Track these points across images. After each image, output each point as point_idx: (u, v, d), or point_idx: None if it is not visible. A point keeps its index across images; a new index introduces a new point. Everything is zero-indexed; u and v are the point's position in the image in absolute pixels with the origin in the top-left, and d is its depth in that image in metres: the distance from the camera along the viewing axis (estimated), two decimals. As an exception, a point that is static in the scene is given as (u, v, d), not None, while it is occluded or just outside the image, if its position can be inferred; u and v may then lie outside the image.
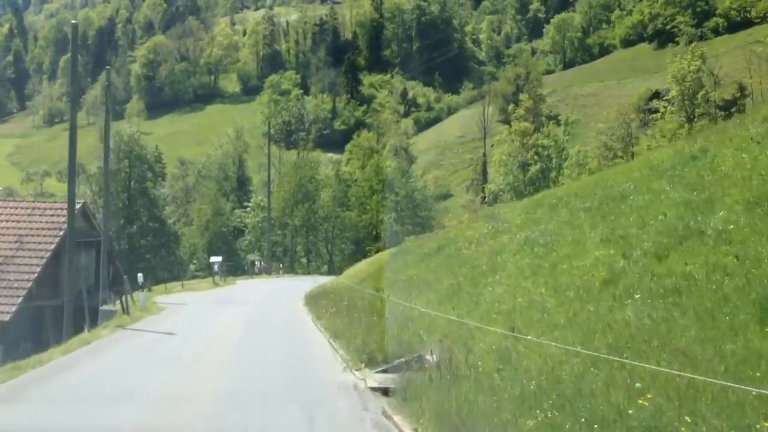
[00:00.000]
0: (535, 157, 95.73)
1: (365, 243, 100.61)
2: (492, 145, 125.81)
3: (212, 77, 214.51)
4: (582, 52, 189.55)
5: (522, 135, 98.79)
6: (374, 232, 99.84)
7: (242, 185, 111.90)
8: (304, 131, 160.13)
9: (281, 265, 75.50)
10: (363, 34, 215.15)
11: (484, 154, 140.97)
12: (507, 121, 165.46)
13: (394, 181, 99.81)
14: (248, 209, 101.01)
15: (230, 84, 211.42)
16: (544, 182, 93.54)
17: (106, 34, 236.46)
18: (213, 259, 66.12)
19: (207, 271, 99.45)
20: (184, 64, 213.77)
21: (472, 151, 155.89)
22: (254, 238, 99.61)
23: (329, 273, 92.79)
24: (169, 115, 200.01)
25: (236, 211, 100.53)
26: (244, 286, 57.74)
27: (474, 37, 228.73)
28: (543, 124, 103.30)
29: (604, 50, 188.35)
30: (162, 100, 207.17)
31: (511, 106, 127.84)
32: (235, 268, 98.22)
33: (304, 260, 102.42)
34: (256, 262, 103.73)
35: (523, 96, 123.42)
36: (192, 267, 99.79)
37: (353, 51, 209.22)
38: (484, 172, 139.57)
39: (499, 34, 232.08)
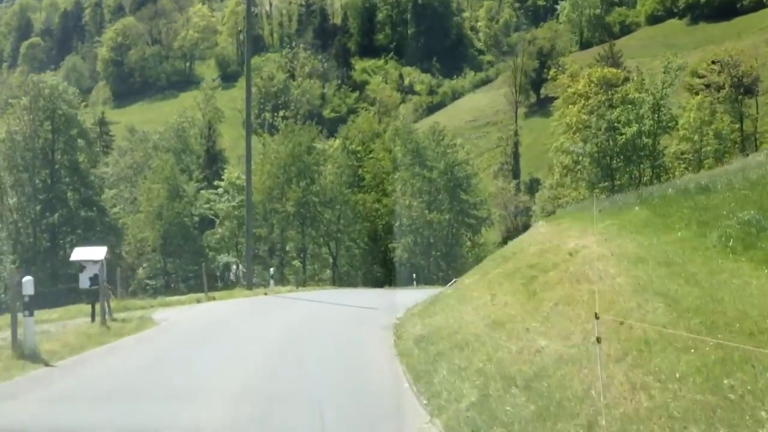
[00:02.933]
0: (628, 116, 61.70)
1: (386, 239, 66.04)
2: (551, 108, 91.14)
3: (187, 62, 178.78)
4: (601, 32, 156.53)
5: (606, 85, 64.86)
6: (399, 225, 65.46)
7: (213, 161, 76.85)
8: (293, 119, 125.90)
9: (271, 272, 41.00)
10: (354, 17, 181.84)
11: (516, 133, 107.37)
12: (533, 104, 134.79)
13: (425, 151, 65.36)
14: (220, 190, 65.98)
15: (207, 70, 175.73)
16: (642, 153, 60.50)
17: (72, 18, 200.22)
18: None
19: (163, 279, 64.78)
20: (156, 48, 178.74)
21: (485, 136, 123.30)
22: (228, 233, 64.67)
23: (338, 282, 59.41)
24: (139, 103, 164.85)
25: (203, 192, 65.31)
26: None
27: (472, 24, 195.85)
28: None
29: (626, 29, 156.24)
30: (131, 87, 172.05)
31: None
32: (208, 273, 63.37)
33: (296, 263, 67.77)
34: (233, 267, 70.17)
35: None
36: (141, 273, 64.56)
37: (343, 35, 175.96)
38: (516, 155, 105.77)
39: (497, 22, 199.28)
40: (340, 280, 67.43)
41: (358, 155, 68.09)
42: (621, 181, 62.88)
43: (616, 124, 61.99)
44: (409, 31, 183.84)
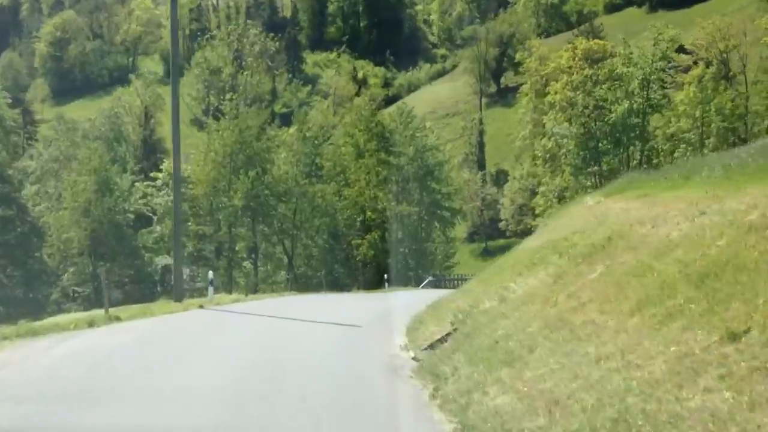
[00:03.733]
0: (615, 93, 54.14)
1: (349, 235, 57.36)
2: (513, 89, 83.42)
3: (130, 57, 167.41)
4: (558, 21, 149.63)
5: (591, 59, 57.21)
6: (363, 219, 56.95)
7: (151, 151, 67.17)
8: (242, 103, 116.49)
9: (210, 276, 31.67)
10: (304, 10, 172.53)
11: (480, 122, 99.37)
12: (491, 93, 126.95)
13: (392, 135, 56.87)
14: (158, 182, 56.57)
15: (152, 64, 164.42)
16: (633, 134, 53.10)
17: (9, 13, 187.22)
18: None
19: (92, 285, 55.11)
20: (97, 43, 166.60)
21: (446, 126, 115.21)
22: (168, 231, 55.26)
23: (294, 285, 51.03)
24: (80, 100, 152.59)
25: (138, 185, 55.80)
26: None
27: (425, 17, 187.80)
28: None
29: (583, 18, 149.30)
30: (71, 83, 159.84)
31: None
32: (141, 278, 54.47)
33: (247, 264, 58.84)
34: (211, 273, 60.18)
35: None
36: (66, 279, 54.91)
37: (294, 27, 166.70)
38: (481, 145, 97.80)
39: (450, 15, 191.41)
40: (297, 283, 58.48)
41: (316, 141, 59.23)
42: (610, 165, 55.12)
43: (602, 102, 54.23)
44: (361, 24, 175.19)
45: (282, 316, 20.13)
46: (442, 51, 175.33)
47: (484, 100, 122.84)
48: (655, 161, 56.04)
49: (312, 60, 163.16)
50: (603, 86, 53.96)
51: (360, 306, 26.30)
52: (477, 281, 21.84)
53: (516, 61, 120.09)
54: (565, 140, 54.92)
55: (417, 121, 59.42)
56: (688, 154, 50.87)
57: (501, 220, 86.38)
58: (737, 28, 64.70)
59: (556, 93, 55.88)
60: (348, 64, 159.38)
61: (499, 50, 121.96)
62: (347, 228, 57.98)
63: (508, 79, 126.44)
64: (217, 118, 59.73)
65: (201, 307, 21.78)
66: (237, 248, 59.90)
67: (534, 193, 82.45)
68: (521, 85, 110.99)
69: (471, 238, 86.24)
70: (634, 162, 55.79)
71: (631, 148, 55.01)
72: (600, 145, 54.91)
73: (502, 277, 16.50)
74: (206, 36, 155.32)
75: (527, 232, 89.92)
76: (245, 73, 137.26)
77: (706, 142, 50.64)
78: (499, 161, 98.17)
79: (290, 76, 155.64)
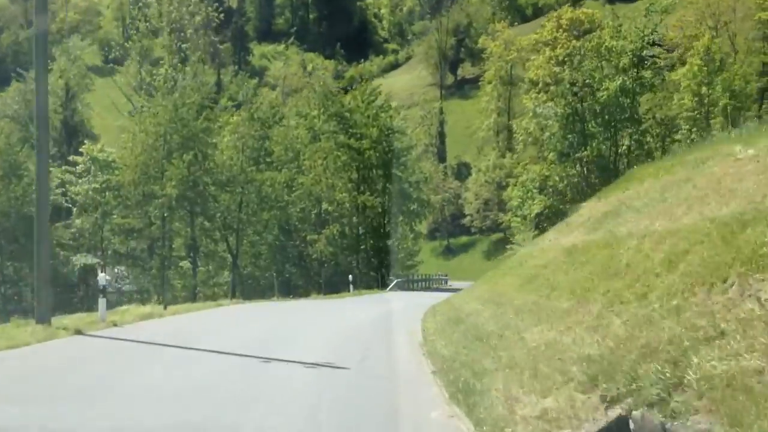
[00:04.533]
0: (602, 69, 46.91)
1: (302, 230, 49.03)
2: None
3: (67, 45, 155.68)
4: (513, 14, 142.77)
5: (576, 31, 49.78)
6: (319, 212, 48.74)
7: (72, 134, 57.60)
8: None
9: (102, 282, 22.98)
10: (251, 1, 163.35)
11: (441, 111, 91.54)
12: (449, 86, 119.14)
13: (353, 115, 48.69)
14: (79, 168, 47.35)
15: (89, 54, 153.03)
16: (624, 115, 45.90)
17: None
18: None
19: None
20: (32, 31, 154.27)
21: (402, 118, 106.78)
22: (89, 225, 46.35)
23: (239, 289, 42.99)
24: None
25: (54, 170, 46.38)
26: None
27: (376, 11, 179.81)
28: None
29: (539, 11, 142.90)
30: (4, 74, 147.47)
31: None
32: (56, 281, 44.79)
33: (185, 264, 50.01)
34: (102, 276, 51.10)
35: None
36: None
37: (240, 17, 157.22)
38: (441, 136, 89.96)
39: (401, 10, 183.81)
40: (243, 285, 49.83)
41: (266, 123, 50.65)
42: (599, 150, 47.63)
43: (589, 80, 46.73)
44: (310, 16, 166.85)
45: (209, 347, 11.75)
46: (393, 46, 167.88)
47: (441, 92, 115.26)
48: (647, 146, 48.95)
49: (259, 52, 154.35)
50: (592, 60, 46.42)
51: (334, 323, 18.06)
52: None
53: (476, 48, 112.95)
54: (549, 122, 47.26)
55: (382, 98, 51.11)
56: (693, 136, 43.60)
57: (464, 216, 78.68)
58: (726, 4, 57.88)
59: (538, 68, 48.18)
60: (297, 57, 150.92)
61: (456, 39, 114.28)
62: (301, 222, 49.53)
63: (466, 70, 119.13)
64: (151, 96, 50.67)
65: (79, 332, 13.13)
66: (174, 246, 51.11)
67: (502, 186, 75.05)
68: (480, 76, 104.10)
69: (432, 235, 78.35)
70: (623, 147, 48.58)
71: (622, 131, 47.63)
72: (587, 127, 47.40)
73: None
74: (146, 23, 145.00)
75: (493, 228, 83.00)
76: (189, 62, 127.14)
77: (712, 123, 43.50)
78: (460, 154, 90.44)
79: (236, 68, 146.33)
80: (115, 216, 46.59)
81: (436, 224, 79.04)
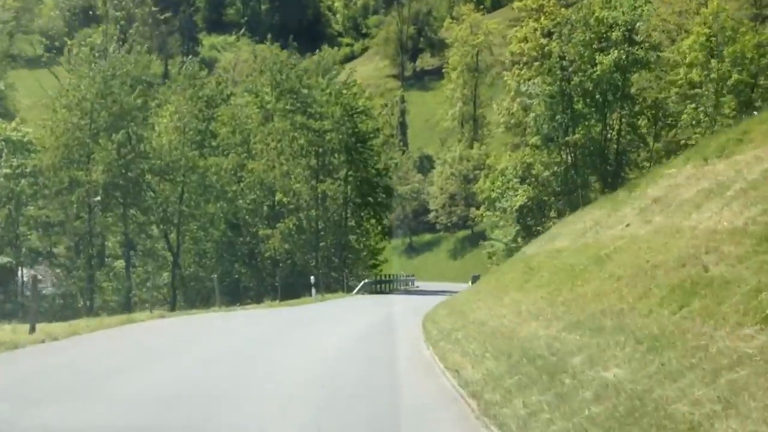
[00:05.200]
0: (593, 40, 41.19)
1: (253, 225, 42.25)
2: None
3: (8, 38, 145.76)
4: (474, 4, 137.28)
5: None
6: (273, 203, 41.97)
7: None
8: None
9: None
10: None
11: (403, 100, 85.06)
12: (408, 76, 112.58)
13: (312, 92, 42.02)
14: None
15: (30, 46, 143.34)
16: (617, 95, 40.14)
17: None
18: None
19: None
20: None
21: (368, 97, 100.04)
22: (0, 219, 38.85)
23: (181, 293, 36.58)
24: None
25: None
26: None
27: (329, 3, 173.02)
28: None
29: (497, 3, 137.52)
30: None
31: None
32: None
33: (119, 264, 42.91)
34: (20, 277, 42.56)
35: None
36: None
37: (189, 7, 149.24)
38: (403, 126, 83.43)
39: (355, 4, 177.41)
40: (185, 287, 42.83)
41: (211, 102, 43.71)
42: (592, 133, 41.70)
43: (579, 54, 40.76)
44: (262, 7, 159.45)
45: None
46: (347, 40, 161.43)
47: (399, 84, 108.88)
48: (639, 130, 43.24)
49: (209, 43, 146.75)
50: (583, 33, 40.42)
51: (300, 368, 11.32)
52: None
53: (437, 38, 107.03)
54: (535, 101, 41.15)
55: (345, 73, 44.42)
56: (703, 117, 37.75)
57: (428, 212, 72.32)
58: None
59: (523, 41, 41.96)
60: (248, 48, 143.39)
61: (415, 28, 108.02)
62: (251, 215, 42.64)
63: (425, 60, 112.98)
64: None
65: None
66: (109, 244, 43.91)
67: (470, 180, 68.89)
68: (441, 67, 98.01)
69: (394, 232, 71.71)
70: (612, 132, 42.78)
71: (613, 113, 41.81)
72: (578, 108, 41.43)
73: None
74: (89, 12, 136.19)
75: (460, 225, 76.93)
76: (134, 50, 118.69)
77: (722, 100, 37.70)
78: (421, 147, 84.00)
79: (184, 58, 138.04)
80: (31, 207, 39.17)
81: (398, 221, 72.55)
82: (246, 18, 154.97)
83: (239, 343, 13.77)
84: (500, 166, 45.93)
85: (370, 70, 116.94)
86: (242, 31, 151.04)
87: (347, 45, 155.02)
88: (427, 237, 74.64)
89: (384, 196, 44.35)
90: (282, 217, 41.17)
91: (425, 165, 77.96)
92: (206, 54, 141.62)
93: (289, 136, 41.05)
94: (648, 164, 44.92)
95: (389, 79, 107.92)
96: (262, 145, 41.27)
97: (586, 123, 41.55)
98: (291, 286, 38.05)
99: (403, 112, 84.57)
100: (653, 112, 43.46)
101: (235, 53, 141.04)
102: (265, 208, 42.46)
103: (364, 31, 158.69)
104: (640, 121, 43.25)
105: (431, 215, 71.55)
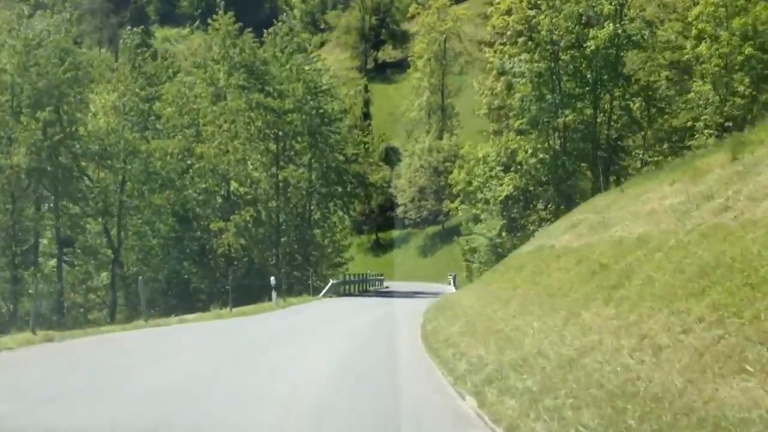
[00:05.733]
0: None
1: (204, 218, 36.80)
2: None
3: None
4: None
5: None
6: (227, 193, 36.45)
7: None
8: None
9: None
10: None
11: (366, 89, 79.80)
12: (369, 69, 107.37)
13: (269, 66, 36.69)
14: None
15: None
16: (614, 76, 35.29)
17: None
18: None
19: None
20: None
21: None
22: None
23: (125, 295, 30.83)
24: None
25: None
26: None
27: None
28: None
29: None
30: None
31: None
32: None
33: (51, 264, 37.06)
34: None
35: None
36: None
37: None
38: (367, 117, 78.12)
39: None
40: (127, 289, 37.19)
41: (155, 78, 38.14)
42: (583, 114, 37.05)
43: (566, 32, 36.22)
44: (217, 0, 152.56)
45: None
46: (305, 35, 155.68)
47: (362, 74, 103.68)
48: (633, 114, 38.71)
49: (161, 35, 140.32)
50: (576, 3, 35.79)
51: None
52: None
53: (399, 30, 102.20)
54: (521, 80, 36.33)
55: (307, 43, 39.14)
56: (712, 96, 33.11)
57: (395, 207, 67.26)
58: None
59: (507, 13, 37.06)
60: (201, 40, 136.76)
61: (377, 19, 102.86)
62: (202, 206, 37.12)
63: (387, 53, 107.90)
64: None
65: None
66: (44, 240, 37.96)
67: (439, 172, 63.99)
68: (403, 59, 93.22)
69: (359, 228, 66.45)
70: (604, 116, 38.24)
71: (606, 95, 37.22)
72: (569, 87, 36.78)
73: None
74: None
75: (430, 220, 71.99)
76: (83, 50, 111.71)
77: (734, 78, 33.15)
78: (385, 140, 78.80)
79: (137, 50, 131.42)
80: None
81: (364, 216, 67.31)
82: (200, 11, 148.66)
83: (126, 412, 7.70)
84: (480, 153, 41.03)
85: (330, 62, 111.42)
86: (196, 23, 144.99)
87: (305, 40, 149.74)
88: (395, 233, 69.56)
89: (353, 184, 39.08)
90: (237, 208, 35.71)
91: (391, 158, 72.79)
92: (159, 47, 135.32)
93: (245, 117, 35.62)
94: (641, 153, 40.61)
95: (351, 72, 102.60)
96: (214, 127, 35.77)
97: (578, 105, 36.90)
98: (248, 289, 32.62)
99: (366, 102, 79.27)
100: (649, 93, 39.02)
101: (187, 45, 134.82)
102: (219, 198, 36.97)
103: (322, 26, 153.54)
104: (634, 105, 38.74)
105: (399, 210, 66.51)
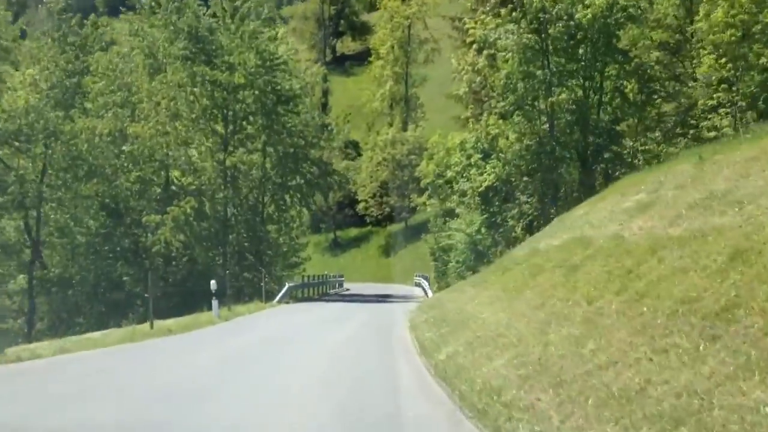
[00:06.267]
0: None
1: (138, 209, 30.90)
2: None
3: None
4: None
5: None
6: (165, 182, 30.74)
7: None
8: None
9: None
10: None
11: (325, 79, 74.16)
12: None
13: (217, 35, 31.17)
14: None
15: None
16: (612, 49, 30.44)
17: None
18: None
19: None
20: None
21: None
22: None
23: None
24: None
25: None
26: None
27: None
28: None
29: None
30: None
31: None
32: None
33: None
34: None
35: None
36: None
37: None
38: (325, 107, 72.65)
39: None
40: (48, 294, 31.41)
41: (84, 48, 32.41)
42: (575, 94, 32.26)
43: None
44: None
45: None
46: None
47: (319, 64, 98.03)
48: (628, 94, 33.96)
49: (116, 27, 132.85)
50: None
51: None
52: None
53: (359, 21, 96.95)
54: (508, 54, 31.36)
55: (261, 12, 33.61)
56: (724, 70, 28.50)
57: (355, 203, 62.00)
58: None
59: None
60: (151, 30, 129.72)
61: (335, 9, 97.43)
62: (136, 198, 31.43)
63: (346, 45, 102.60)
64: None
65: None
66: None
67: (403, 166, 58.96)
68: (363, 52, 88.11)
69: (316, 226, 61.03)
70: (593, 97, 33.41)
71: (601, 73, 32.44)
72: (558, 60, 31.94)
73: None
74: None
75: (393, 217, 66.83)
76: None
77: (753, 48, 28.70)
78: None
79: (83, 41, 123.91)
80: None
81: (321, 213, 61.93)
82: (152, 4, 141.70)
83: None
84: (456, 140, 36.07)
85: (285, 52, 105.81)
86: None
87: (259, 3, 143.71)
88: (354, 232, 64.22)
89: (314, 173, 33.67)
90: (177, 199, 30.11)
91: (350, 152, 67.45)
92: (107, 38, 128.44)
93: (187, 93, 30.04)
94: (633, 140, 36.03)
95: (308, 64, 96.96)
96: (151, 104, 30.13)
97: (570, 83, 32.09)
98: (190, 294, 27.20)
99: (325, 93, 73.87)
100: (644, 72, 34.37)
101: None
102: (156, 189, 31.35)
103: (277, 21, 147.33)
104: (628, 86, 34.04)
105: (360, 206, 61.23)
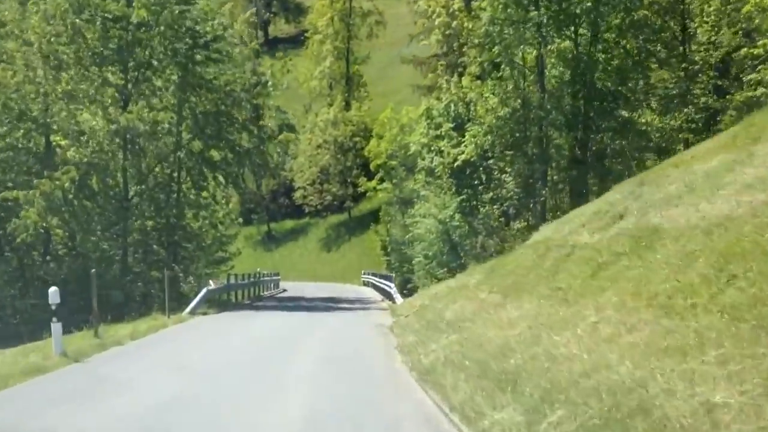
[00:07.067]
0: None
1: (3, 184, 21.93)
2: None
3: None
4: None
5: None
6: (46, 151, 22.09)
7: None
8: None
9: None
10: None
11: (258, 53, 65.69)
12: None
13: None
14: None
15: None
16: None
17: None
18: None
19: None
20: None
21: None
22: None
23: None
24: None
25: None
26: None
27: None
28: None
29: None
30: None
31: None
32: None
33: None
34: None
35: None
36: None
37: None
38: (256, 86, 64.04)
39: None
40: None
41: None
42: (574, 47, 25.20)
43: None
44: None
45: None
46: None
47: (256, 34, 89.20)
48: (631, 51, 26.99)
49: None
50: None
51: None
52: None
53: (292, 1, 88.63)
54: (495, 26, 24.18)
55: None
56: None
57: (292, 192, 54.01)
58: None
59: None
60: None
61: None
62: (1, 169, 22.86)
63: (279, 27, 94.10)
64: None
65: None
66: None
67: (346, 149, 51.30)
68: (297, 35, 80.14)
69: (247, 217, 52.73)
70: (591, 51, 26.32)
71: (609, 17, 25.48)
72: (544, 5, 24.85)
73: None
74: None
75: (333, 207, 58.75)
76: None
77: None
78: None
79: None
80: None
81: (253, 203, 53.70)
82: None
83: None
84: (421, 109, 28.65)
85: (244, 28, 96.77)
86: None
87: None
88: (290, 224, 56.08)
89: (246, 138, 25.80)
90: (55, 168, 21.71)
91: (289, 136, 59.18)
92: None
93: (69, 30, 21.69)
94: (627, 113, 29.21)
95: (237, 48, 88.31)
96: (19, 43, 21.69)
97: (564, 33, 24.96)
98: (78, 302, 19.02)
99: (256, 72, 65.40)
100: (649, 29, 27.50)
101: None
102: (28, 157, 22.83)
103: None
104: (627, 38, 27.10)
105: (297, 195, 53.19)
